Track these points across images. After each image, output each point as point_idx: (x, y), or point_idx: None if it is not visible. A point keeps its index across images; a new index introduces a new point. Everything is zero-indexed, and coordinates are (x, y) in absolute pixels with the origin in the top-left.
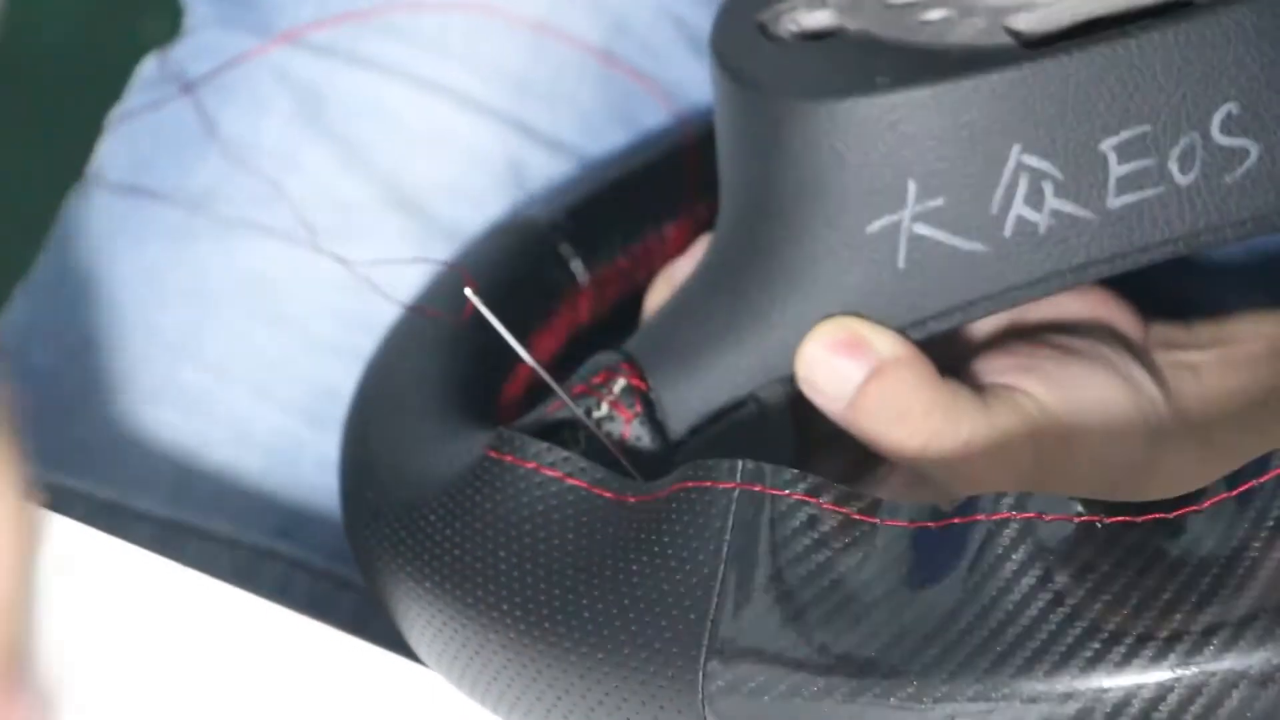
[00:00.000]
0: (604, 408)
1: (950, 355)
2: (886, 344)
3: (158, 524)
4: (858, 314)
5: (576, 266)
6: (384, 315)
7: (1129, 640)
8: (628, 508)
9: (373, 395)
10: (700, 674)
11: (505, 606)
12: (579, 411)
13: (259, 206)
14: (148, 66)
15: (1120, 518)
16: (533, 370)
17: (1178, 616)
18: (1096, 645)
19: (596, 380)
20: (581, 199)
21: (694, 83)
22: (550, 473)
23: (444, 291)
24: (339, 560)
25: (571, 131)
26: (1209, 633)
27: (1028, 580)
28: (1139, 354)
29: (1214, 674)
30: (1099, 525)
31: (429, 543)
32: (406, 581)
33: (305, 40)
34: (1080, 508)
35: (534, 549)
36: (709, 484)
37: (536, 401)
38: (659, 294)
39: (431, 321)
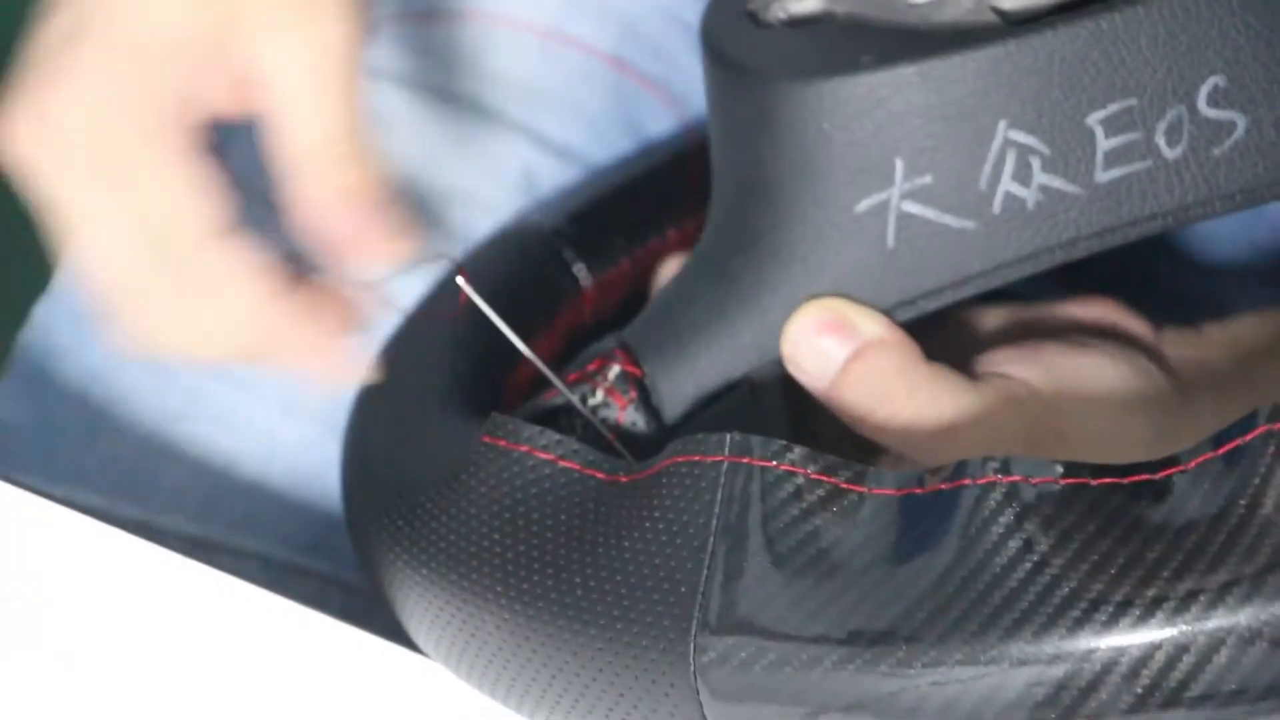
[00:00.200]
0: (599, 394)
1: (959, 354)
2: (870, 325)
3: (187, 541)
4: (848, 294)
5: (579, 270)
6: None
7: (1116, 600)
8: (620, 487)
9: (374, 391)
10: (691, 646)
11: (499, 588)
12: (571, 396)
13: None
14: None
15: (1106, 479)
16: (534, 366)
17: (1164, 576)
18: (1083, 606)
19: (591, 367)
20: (585, 204)
21: (703, 88)
22: (543, 455)
23: (446, 292)
24: None
25: (582, 138)
26: (1195, 591)
27: (1014, 543)
28: (1149, 351)
29: (1201, 632)
30: (1085, 487)
31: (425, 529)
32: (404, 569)
33: None
34: (1063, 469)
35: (528, 530)
36: (698, 458)
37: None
38: (664, 280)
39: (433, 319)
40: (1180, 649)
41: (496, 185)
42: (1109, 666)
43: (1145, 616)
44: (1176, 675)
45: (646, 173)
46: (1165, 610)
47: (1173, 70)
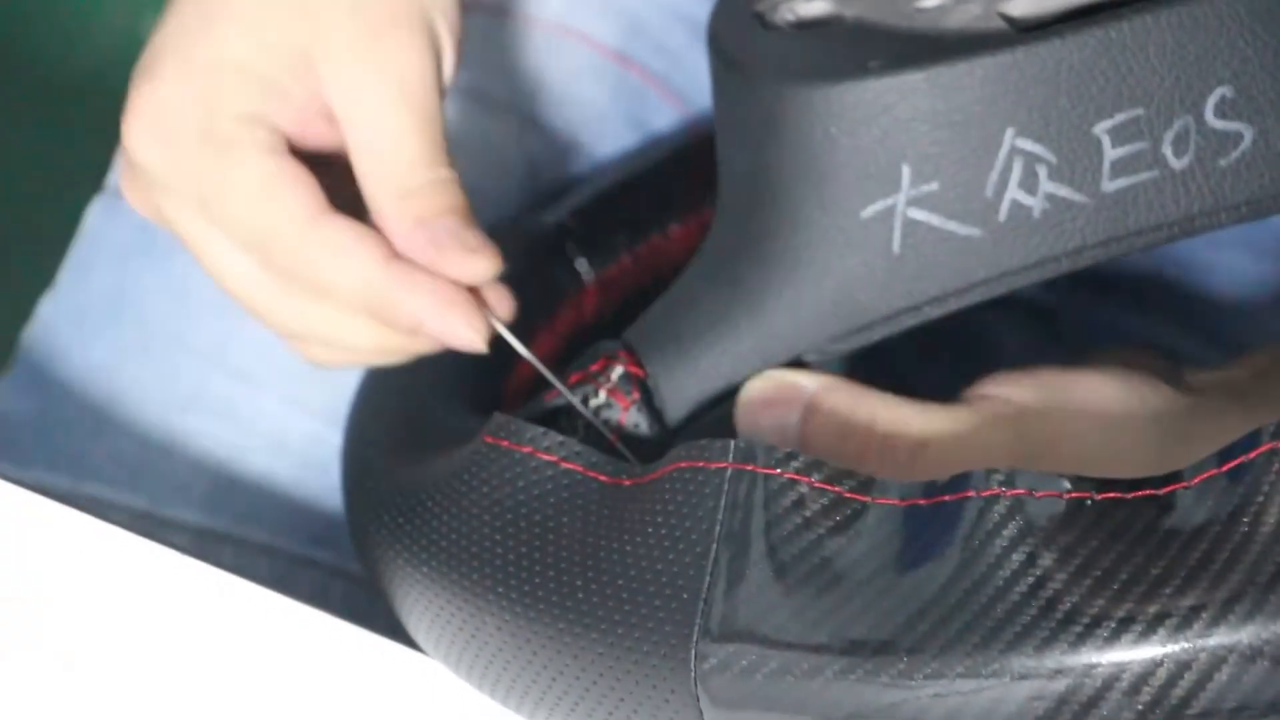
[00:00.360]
0: (602, 395)
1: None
2: (810, 379)
3: (193, 533)
4: (853, 299)
5: (582, 266)
6: None
7: (1118, 616)
8: (623, 490)
9: (375, 389)
10: (692, 653)
11: (500, 589)
12: (573, 397)
13: None
14: None
15: (1110, 494)
16: (535, 366)
17: (1166, 592)
18: (1085, 621)
19: (594, 368)
20: (587, 200)
21: (707, 84)
22: (546, 456)
23: None
24: None
25: (586, 133)
26: (1197, 608)
27: (1017, 556)
28: (1165, 373)
29: (1202, 649)
30: (1088, 502)
31: (426, 528)
32: (404, 567)
33: None
34: (1069, 484)
35: (529, 531)
36: (702, 464)
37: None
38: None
39: None
40: (1182, 666)
41: (499, 179)
42: (1110, 682)
43: (1148, 632)
44: (1178, 692)
45: (650, 168)
46: (1168, 626)
47: (1180, 80)
